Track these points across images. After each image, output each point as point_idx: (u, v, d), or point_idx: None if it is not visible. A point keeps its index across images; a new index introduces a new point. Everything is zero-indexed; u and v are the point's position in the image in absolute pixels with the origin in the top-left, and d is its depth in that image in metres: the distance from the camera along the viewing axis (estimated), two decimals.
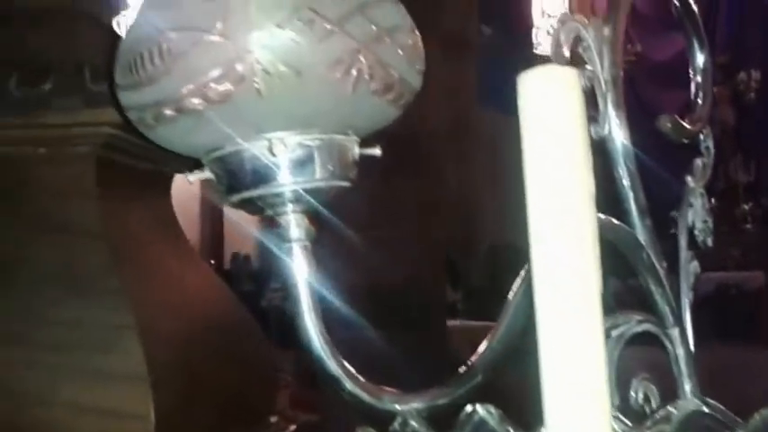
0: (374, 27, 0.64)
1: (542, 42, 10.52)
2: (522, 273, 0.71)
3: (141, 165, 1.36)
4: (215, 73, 0.63)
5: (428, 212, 4.49)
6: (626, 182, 0.80)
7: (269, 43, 0.62)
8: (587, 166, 0.50)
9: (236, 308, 1.56)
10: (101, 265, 1.21)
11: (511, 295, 0.72)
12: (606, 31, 0.85)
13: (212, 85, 0.63)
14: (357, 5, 0.64)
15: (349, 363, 0.70)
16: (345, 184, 0.71)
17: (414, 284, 4.31)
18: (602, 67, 0.84)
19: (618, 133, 0.80)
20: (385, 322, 1.84)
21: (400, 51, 0.68)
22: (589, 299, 0.47)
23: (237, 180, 0.70)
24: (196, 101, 0.64)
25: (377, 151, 0.74)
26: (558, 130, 0.49)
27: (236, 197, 0.71)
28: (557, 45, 0.83)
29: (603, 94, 0.81)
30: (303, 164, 0.68)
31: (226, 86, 0.63)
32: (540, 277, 0.47)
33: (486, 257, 7.88)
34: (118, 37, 1.46)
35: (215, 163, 0.71)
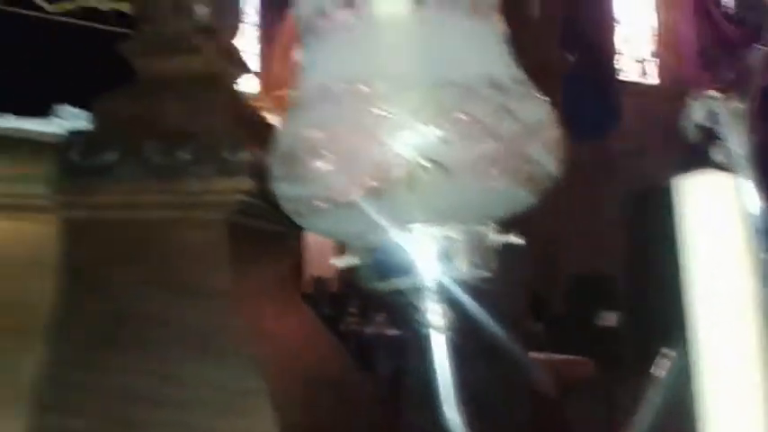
0: (519, 124, 0.66)
1: (626, 69, 10.32)
2: (667, 351, 0.70)
3: (270, 226, 1.41)
4: (368, 169, 0.66)
5: (511, 250, 4.43)
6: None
7: (418, 142, 0.65)
8: (751, 272, 0.50)
9: (349, 364, 1.60)
10: (232, 328, 1.25)
11: (659, 374, 0.71)
12: (738, 105, 0.84)
13: (366, 180, 0.66)
14: (503, 104, 0.66)
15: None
16: (487, 274, 0.73)
17: (497, 318, 4.25)
18: (734, 142, 0.83)
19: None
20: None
21: (543, 145, 0.69)
22: (756, 409, 0.47)
23: (383, 268, 0.73)
24: (350, 195, 0.67)
25: (518, 240, 0.76)
26: (720, 237, 0.50)
27: (381, 284, 0.73)
28: (691, 120, 0.83)
29: (737, 167, 0.81)
30: (447, 255, 0.70)
31: (378, 182, 0.66)
32: (708, 384, 0.47)
33: (568, 287, 7.74)
34: (264, 121, 1.55)
35: (361, 250, 0.74)
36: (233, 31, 1.60)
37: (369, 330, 5.53)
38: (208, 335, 1.25)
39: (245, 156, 1.26)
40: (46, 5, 1.59)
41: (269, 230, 1.43)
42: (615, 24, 10.25)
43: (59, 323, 1.33)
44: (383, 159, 0.66)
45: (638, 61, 11.10)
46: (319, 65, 0.74)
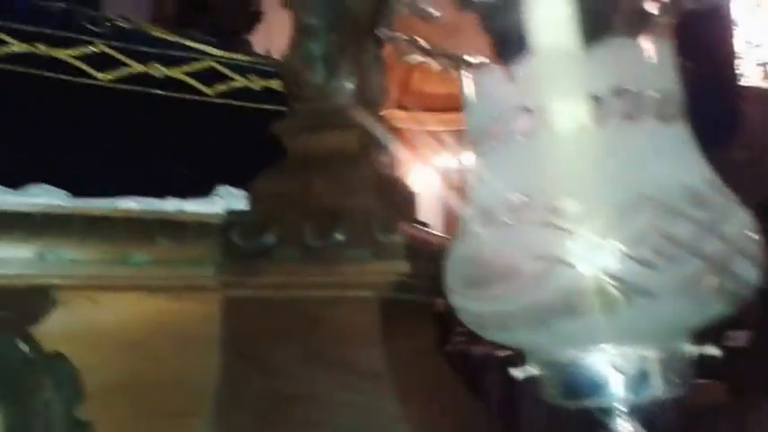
0: (723, 244, 0.62)
1: (747, 73, 9.73)
2: None
3: (418, 299, 1.41)
4: (562, 293, 0.63)
5: None
6: None
7: (617, 265, 0.62)
8: None
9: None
10: (384, 408, 1.25)
11: None
12: None
13: (558, 303, 0.64)
14: (705, 221, 0.62)
15: None
16: (682, 393, 0.68)
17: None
18: None
19: None
20: None
21: (745, 258, 0.65)
22: None
23: (571, 385, 0.70)
24: (540, 315, 0.65)
25: (715, 351, 0.71)
26: None
27: (569, 402, 0.70)
28: None
29: None
30: (642, 377, 0.66)
31: (573, 304, 0.63)
32: None
33: None
34: (412, 195, 1.57)
35: (547, 364, 0.71)
36: (379, 103, 1.62)
37: (477, 350, 5.38)
38: (358, 414, 1.25)
39: (398, 238, 1.27)
40: (204, 89, 1.67)
41: (419, 303, 1.42)
42: (735, 27, 9.73)
43: (220, 402, 1.37)
44: (580, 283, 0.64)
45: (761, 65, 10.47)
46: (495, 177, 0.73)
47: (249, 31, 6.57)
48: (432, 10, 0.80)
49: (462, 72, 0.77)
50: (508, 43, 0.72)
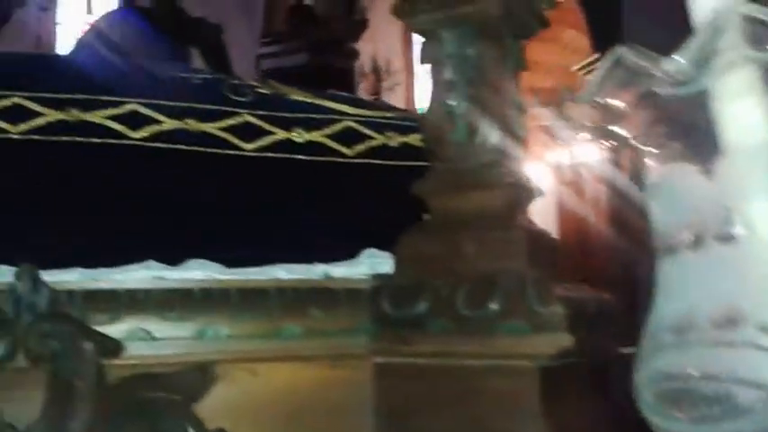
0: None
1: None
2: None
3: (581, 365, 1.34)
4: None
5: None
6: None
7: None
8: None
9: None
10: None
11: None
12: None
13: None
14: None
15: None
16: None
17: None
18: None
19: None
20: None
21: None
22: None
23: None
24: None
25: None
26: None
27: None
28: None
29: None
30: None
31: None
32: None
33: None
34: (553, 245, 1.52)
35: None
36: (522, 158, 1.57)
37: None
38: None
39: (556, 309, 1.21)
40: (344, 150, 1.68)
41: (582, 368, 1.36)
42: None
43: None
44: None
45: None
46: (690, 287, 0.67)
47: (355, 39, 6.65)
48: (616, 103, 0.76)
49: (645, 162, 0.72)
50: (697, 139, 0.67)
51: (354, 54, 6.12)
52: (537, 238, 1.45)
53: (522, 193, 1.52)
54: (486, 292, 1.29)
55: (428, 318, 1.33)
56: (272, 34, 6.30)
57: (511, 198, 1.46)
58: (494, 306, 1.27)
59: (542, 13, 1.57)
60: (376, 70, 10.48)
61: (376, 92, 10.57)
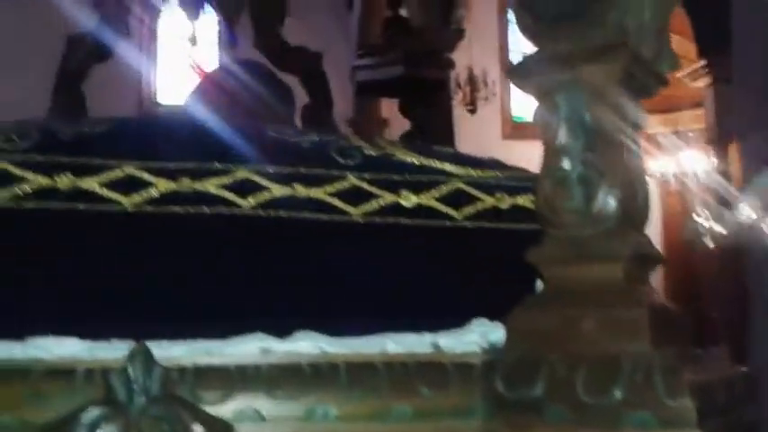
0: None
1: None
2: None
3: None
4: None
5: None
6: None
7: None
8: None
9: None
10: None
11: None
12: None
13: None
14: None
15: None
16: None
17: None
18: None
19: None
20: None
21: None
22: None
23: None
24: None
25: None
26: None
27: None
28: None
29: None
30: None
31: None
32: None
33: None
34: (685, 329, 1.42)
35: None
36: (644, 221, 1.48)
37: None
38: None
39: (687, 402, 1.12)
40: (453, 213, 1.63)
41: None
42: None
43: None
44: None
45: None
46: None
47: (451, 49, 6.57)
48: None
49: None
50: None
51: (450, 64, 6.02)
52: (662, 314, 1.35)
53: (646, 263, 1.43)
54: (609, 377, 1.21)
55: (544, 402, 1.26)
56: (367, 46, 6.27)
57: (633, 270, 1.37)
58: (618, 393, 1.18)
59: (663, 74, 1.48)
60: (472, 80, 10.34)
61: (471, 102, 10.44)
